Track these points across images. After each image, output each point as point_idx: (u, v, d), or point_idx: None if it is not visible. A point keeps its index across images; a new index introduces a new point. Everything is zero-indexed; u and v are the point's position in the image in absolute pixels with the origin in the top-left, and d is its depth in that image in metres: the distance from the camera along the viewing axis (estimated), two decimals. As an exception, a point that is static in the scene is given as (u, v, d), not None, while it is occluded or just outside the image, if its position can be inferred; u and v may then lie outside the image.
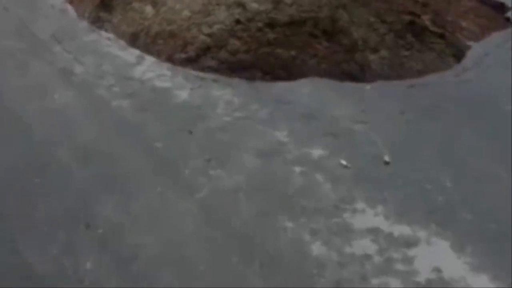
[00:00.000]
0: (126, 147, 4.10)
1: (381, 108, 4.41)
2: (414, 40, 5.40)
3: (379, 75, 5.03)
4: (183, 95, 4.66)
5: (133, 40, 5.54)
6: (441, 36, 5.45)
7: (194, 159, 3.95)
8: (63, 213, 3.54)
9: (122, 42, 5.49)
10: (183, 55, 5.19)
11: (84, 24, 5.85)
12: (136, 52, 5.33)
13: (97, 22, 5.91)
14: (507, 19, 5.62)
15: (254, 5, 5.32)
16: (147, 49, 5.37)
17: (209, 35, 5.25)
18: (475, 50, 5.15)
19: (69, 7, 6.22)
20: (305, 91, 4.67)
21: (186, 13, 5.53)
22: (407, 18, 5.48)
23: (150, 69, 5.04)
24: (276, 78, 4.93)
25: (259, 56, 5.04)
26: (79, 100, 4.67)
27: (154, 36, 5.46)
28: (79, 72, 5.03)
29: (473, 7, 5.94)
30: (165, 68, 5.04)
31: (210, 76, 4.87)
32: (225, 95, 4.63)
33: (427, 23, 5.56)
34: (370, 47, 5.15)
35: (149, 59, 5.22)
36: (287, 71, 4.97)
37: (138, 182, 3.79)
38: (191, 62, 5.14)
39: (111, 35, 5.58)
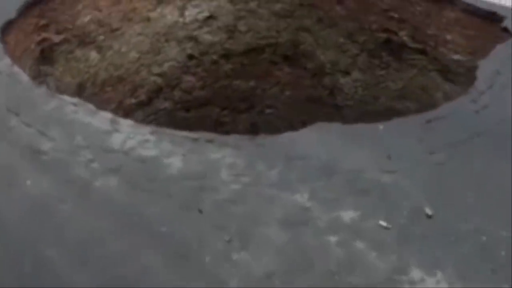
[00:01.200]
0: (126, 237, 3.50)
1: (404, 151, 3.95)
2: (391, 59, 5.16)
3: (352, 98, 4.72)
4: (176, 163, 4.05)
5: (79, 92, 4.97)
6: (422, 52, 5.18)
7: (211, 242, 3.39)
8: (72, 336, 2.93)
9: (90, 106, 4.80)
10: (133, 100, 4.73)
11: (41, 89, 5.12)
12: (108, 115, 4.66)
13: (38, 77, 5.27)
14: (505, 29, 5.22)
15: (207, 37, 4.95)
16: (95, 99, 4.82)
17: (160, 75, 4.85)
18: (485, 68, 4.73)
19: (20, 71, 5.45)
20: (312, 140, 4.16)
21: (133, 54, 5.12)
22: (382, 36, 5.22)
23: (130, 136, 4.37)
24: (236, 111, 4.52)
25: (216, 90, 4.68)
26: (56, 184, 4.00)
27: (101, 84, 4.98)
28: (48, 148, 4.32)
29: (457, 18, 5.64)
30: (147, 133, 4.41)
31: (202, 136, 4.28)
32: (225, 158, 4.04)
33: (405, 39, 5.30)
34: (340, 70, 4.88)
35: (125, 123, 4.56)
36: (247, 103, 4.58)
37: (152, 281, 3.21)
38: (143, 106, 4.65)
39: (75, 100, 4.89)
